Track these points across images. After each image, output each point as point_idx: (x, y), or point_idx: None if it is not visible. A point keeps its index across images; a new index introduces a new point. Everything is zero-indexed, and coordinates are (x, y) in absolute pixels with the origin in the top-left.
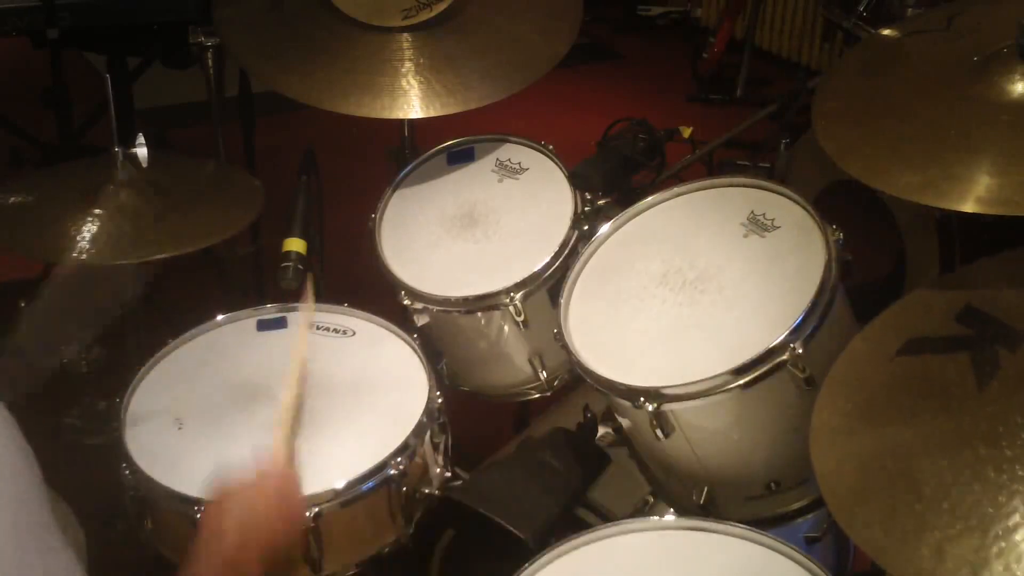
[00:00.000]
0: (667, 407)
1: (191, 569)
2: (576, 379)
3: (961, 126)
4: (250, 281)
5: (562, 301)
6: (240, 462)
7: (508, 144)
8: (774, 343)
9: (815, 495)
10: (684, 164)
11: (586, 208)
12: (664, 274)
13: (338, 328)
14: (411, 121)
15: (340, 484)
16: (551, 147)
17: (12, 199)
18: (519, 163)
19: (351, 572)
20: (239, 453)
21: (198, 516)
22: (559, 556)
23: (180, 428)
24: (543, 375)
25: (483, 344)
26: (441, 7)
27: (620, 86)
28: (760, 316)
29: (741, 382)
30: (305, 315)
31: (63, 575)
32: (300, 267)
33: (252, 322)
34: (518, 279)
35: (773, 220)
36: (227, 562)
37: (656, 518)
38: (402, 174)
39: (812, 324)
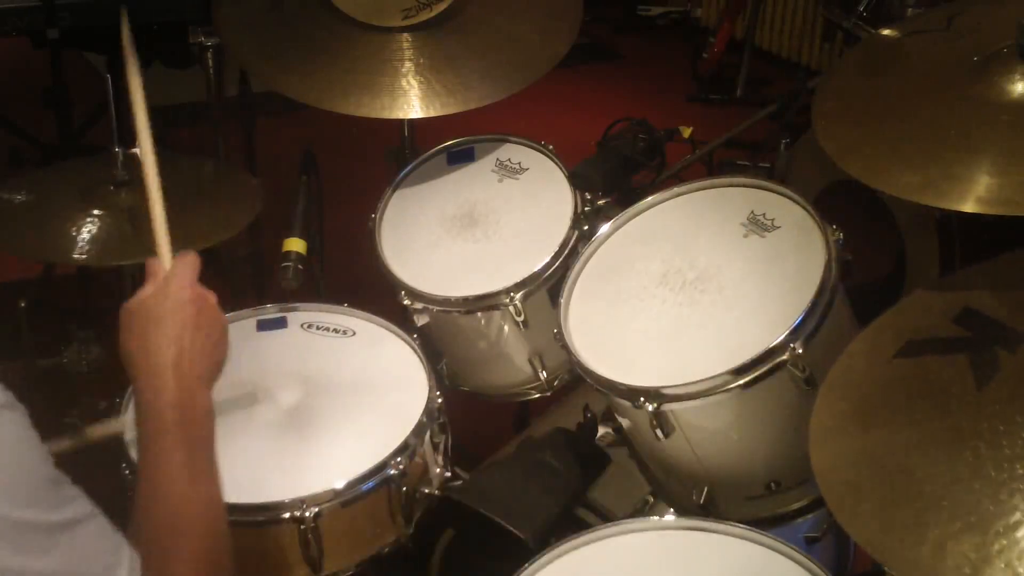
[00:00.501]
0: (667, 407)
1: (150, 427)
2: (576, 379)
3: (961, 126)
4: (250, 281)
5: (562, 301)
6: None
7: (508, 144)
8: (774, 343)
9: (815, 495)
10: (684, 164)
11: (586, 208)
12: (664, 274)
13: (338, 328)
14: (411, 121)
15: (340, 484)
16: (551, 147)
17: (12, 198)
18: (519, 163)
19: (351, 572)
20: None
21: None
22: (559, 556)
23: None
24: (543, 375)
25: (483, 344)
26: (441, 7)
27: (620, 86)
28: (760, 316)
29: (741, 382)
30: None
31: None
32: (300, 267)
33: (252, 322)
34: (518, 279)
35: (773, 220)
36: (176, 405)
37: (656, 518)
38: (402, 174)
39: (812, 324)
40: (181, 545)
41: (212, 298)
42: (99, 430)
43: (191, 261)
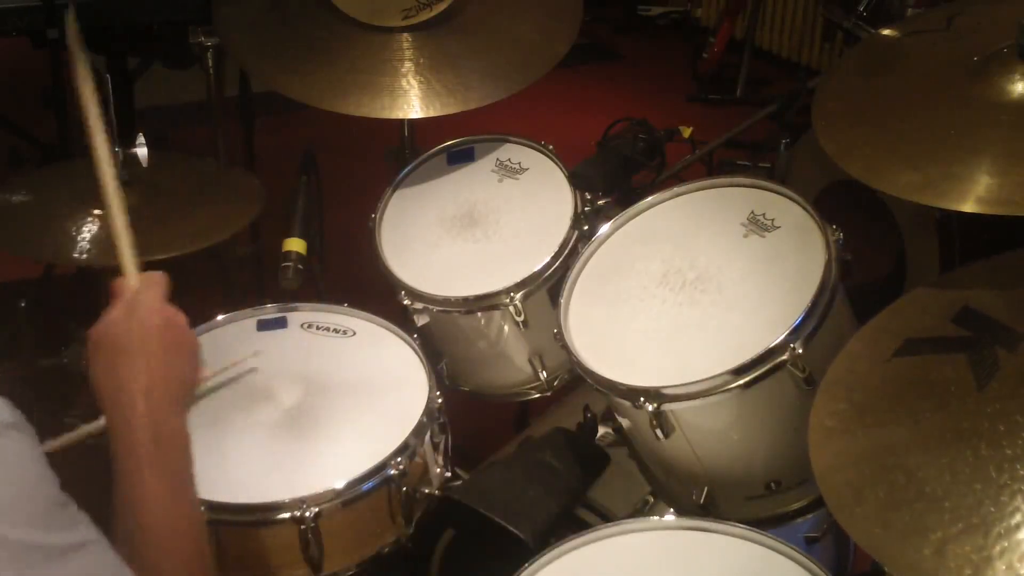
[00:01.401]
0: (667, 407)
1: (126, 460)
2: (576, 379)
3: (961, 126)
4: (250, 281)
5: (562, 301)
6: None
7: (508, 144)
8: (774, 343)
9: (815, 495)
10: (684, 164)
11: (586, 208)
12: (664, 274)
13: (338, 328)
14: (411, 121)
15: (340, 484)
16: (551, 147)
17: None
18: (519, 163)
19: (351, 572)
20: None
21: None
22: (559, 556)
23: None
24: (543, 375)
25: (483, 344)
26: (441, 7)
27: (620, 86)
28: (760, 316)
29: (741, 382)
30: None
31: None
32: (300, 267)
33: (252, 322)
34: (518, 279)
35: (773, 220)
36: (149, 432)
37: (656, 518)
38: (402, 174)
39: (812, 324)
40: (167, 565)
41: (181, 319)
42: (95, 427)
43: (158, 280)
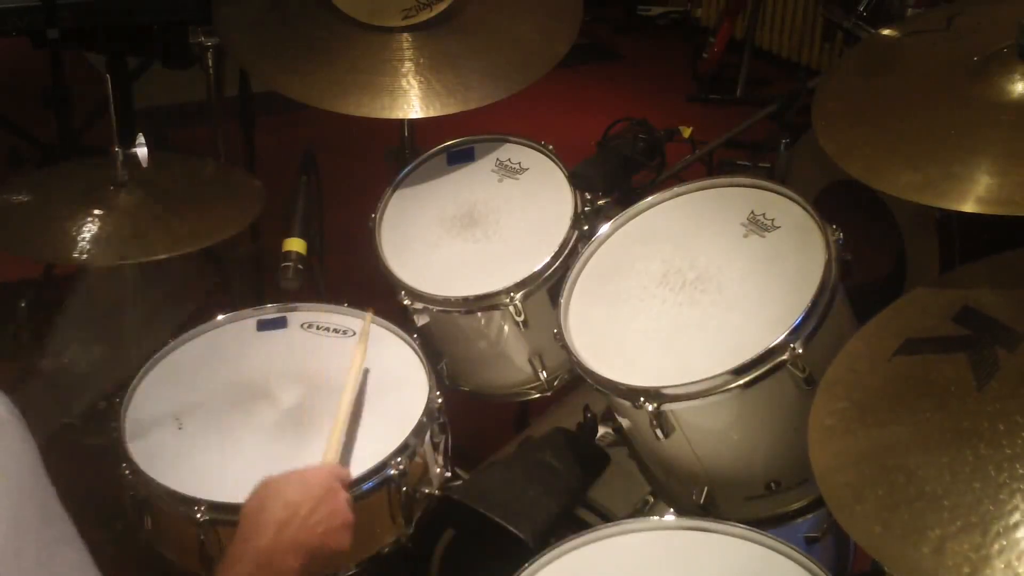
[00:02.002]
0: (667, 407)
1: (229, 564)
2: (576, 379)
3: (961, 126)
4: (250, 281)
5: (562, 301)
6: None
7: (508, 144)
8: (774, 343)
9: (815, 495)
10: (684, 164)
11: (586, 208)
12: (664, 274)
13: (338, 328)
14: (411, 121)
15: None
16: (551, 147)
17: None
18: (519, 163)
19: (351, 572)
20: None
21: (197, 515)
22: (559, 556)
23: (180, 428)
24: (543, 375)
25: (483, 344)
26: (441, 7)
27: (620, 86)
28: (760, 316)
29: (741, 382)
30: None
31: (72, 566)
32: (300, 267)
33: (252, 322)
34: (518, 279)
35: (773, 220)
36: (263, 555)
37: (656, 518)
38: (402, 174)
39: (812, 324)
40: None
41: (344, 501)
42: None
43: (342, 475)
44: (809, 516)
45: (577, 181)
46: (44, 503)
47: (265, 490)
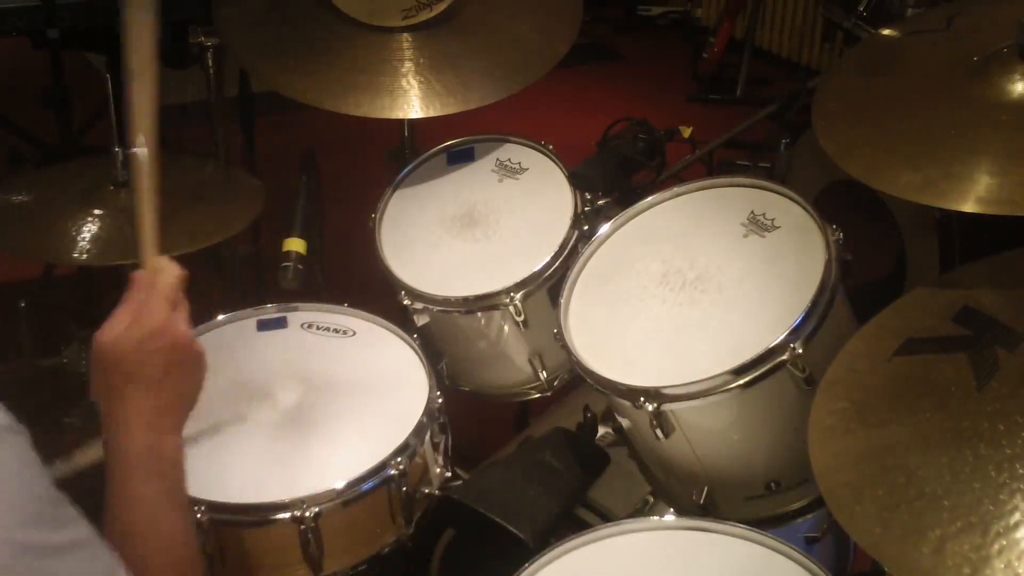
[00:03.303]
0: (667, 407)
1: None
2: (576, 379)
3: (961, 126)
4: (250, 281)
5: (562, 301)
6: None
7: (508, 144)
8: (774, 343)
9: (815, 495)
10: (684, 164)
11: (586, 208)
12: (664, 274)
13: (338, 328)
14: (411, 121)
15: (340, 484)
16: (551, 147)
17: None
18: (519, 163)
19: (351, 572)
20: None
21: (197, 515)
22: (559, 556)
23: None
24: (543, 375)
25: (483, 344)
26: (441, 7)
27: (620, 86)
28: (760, 316)
29: (741, 382)
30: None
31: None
32: (300, 267)
33: (252, 322)
34: (518, 279)
35: (773, 220)
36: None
37: (656, 518)
38: (402, 174)
39: (812, 324)
40: (156, 569)
41: (186, 335)
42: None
43: (172, 278)
44: (809, 516)
45: (577, 181)
46: (52, 504)
47: (108, 377)
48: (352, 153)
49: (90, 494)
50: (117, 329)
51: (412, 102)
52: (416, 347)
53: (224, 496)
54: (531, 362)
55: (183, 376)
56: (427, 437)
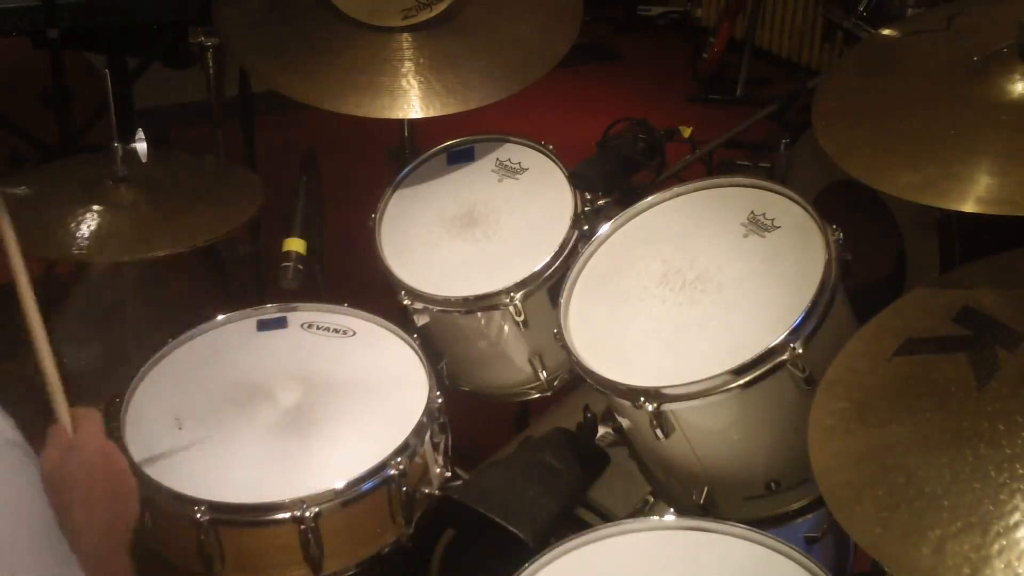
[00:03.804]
0: (667, 407)
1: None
2: (576, 379)
3: (961, 126)
4: (250, 281)
5: (562, 301)
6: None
7: (508, 144)
8: (774, 343)
9: (815, 495)
10: (684, 164)
11: (586, 208)
12: (664, 274)
13: (338, 328)
14: (411, 121)
15: (340, 484)
16: (551, 147)
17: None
18: (519, 163)
19: (351, 572)
20: (238, 453)
21: (197, 515)
22: (559, 556)
23: (180, 428)
24: (543, 375)
25: (483, 344)
26: (441, 7)
27: (620, 86)
28: (760, 316)
29: (741, 382)
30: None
31: None
32: (300, 267)
33: (252, 322)
34: (518, 279)
35: (773, 220)
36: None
37: (656, 518)
38: (402, 174)
39: (812, 324)
40: None
41: (120, 460)
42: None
43: (94, 417)
44: (809, 516)
45: (577, 181)
46: (41, 532)
47: (56, 498)
48: (352, 153)
49: None
50: (51, 463)
51: (412, 102)
52: (416, 347)
53: (224, 496)
54: (531, 362)
55: (120, 498)
56: (427, 437)
